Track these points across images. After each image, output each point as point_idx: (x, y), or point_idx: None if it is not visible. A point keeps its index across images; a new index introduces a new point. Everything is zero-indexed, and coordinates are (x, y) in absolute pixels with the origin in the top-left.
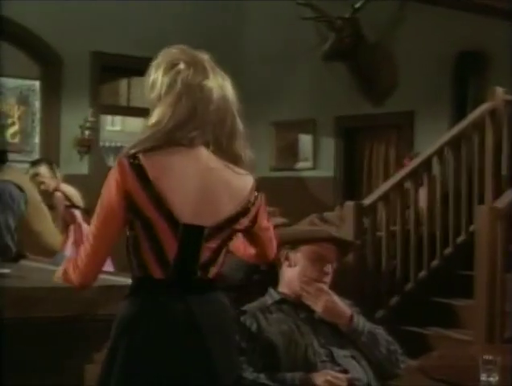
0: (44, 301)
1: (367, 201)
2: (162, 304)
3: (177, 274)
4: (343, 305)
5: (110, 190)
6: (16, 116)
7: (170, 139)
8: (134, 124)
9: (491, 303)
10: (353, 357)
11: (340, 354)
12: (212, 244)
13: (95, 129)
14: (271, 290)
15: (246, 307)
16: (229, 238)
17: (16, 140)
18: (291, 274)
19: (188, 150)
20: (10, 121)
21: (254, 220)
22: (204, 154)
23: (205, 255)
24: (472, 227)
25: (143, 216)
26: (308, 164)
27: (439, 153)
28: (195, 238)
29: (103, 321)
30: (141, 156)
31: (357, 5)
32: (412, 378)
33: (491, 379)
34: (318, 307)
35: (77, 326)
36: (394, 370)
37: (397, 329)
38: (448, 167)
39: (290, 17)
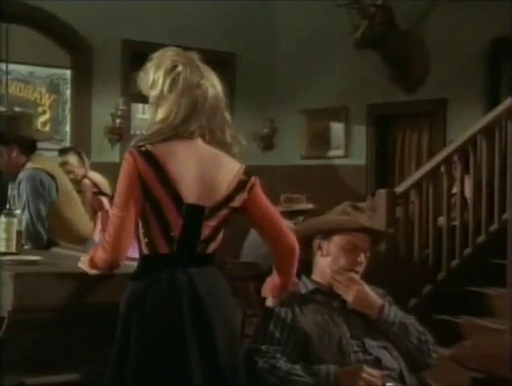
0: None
1: (399, 189)
2: (167, 275)
3: (181, 249)
4: (374, 296)
5: (127, 178)
6: (47, 104)
7: (174, 133)
8: None
9: None
10: (384, 347)
11: (372, 344)
12: (212, 223)
13: (126, 117)
14: (305, 279)
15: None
16: (228, 217)
17: (47, 128)
18: (324, 263)
19: (188, 141)
20: (40, 109)
21: (249, 198)
22: (201, 144)
23: (206, 232)
24: (504, 216)
25: (153, 197)
26: (340, 152)
27: (472, 141)
28: (197, 217)
29: None
30: (148, 146)
31: None
32: (445, 367)
33: None
34: (349, 297)
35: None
36: (426, 360)
37: (429, 318)
38: (480, 155)
39: (323, 4)
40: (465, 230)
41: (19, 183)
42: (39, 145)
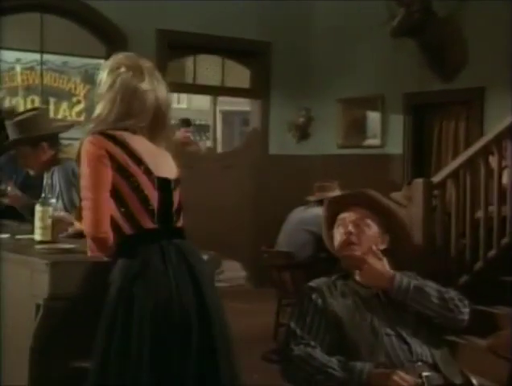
0: None
1: (436, 178)
2: (158, 248)
3: (161, 222)
4: (382, 267)
5: (96, 160)
6: (82, 94)
7: (115, 128)
8: (200, 101)
9: None
10: (415, 333)
11: (403, 329)
12: (177, 194)
13: None
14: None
15: (313, 282)
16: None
17: (81, 118)
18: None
19: (135, 135)
20: (75, 99)
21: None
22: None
23: (176, 202)
24: None
25: (130, 174)
26: (376, 141)
27: (510, 130)
28: (167, 188)
29: None
30: (110, 131)
31: None
32: (482, 358)
33: None
34: (356, 274)
35: None
36: (457, 317)
37: None
38: None
39: None
40: (503, 220)
41: (52, 174)
42: (73, 135)
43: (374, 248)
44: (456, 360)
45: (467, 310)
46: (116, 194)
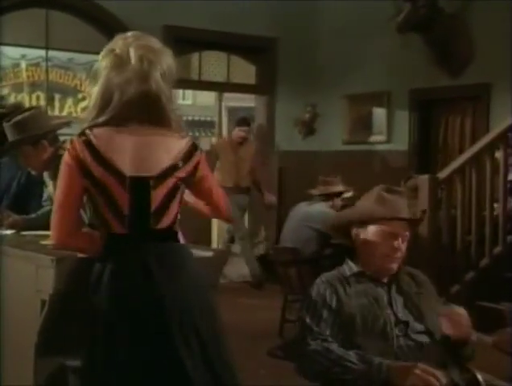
0: None
1: (442, 175)
2: (121, 256)
3: (132, 225)
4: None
5: (64, 170)
6: (87, 91)
7: (96, 124)
8: (206, 97)
9: None
10: (426, 331)
11: (415, 328)
12: (160, 192)
13: None
14: (350, 262)
15: (324, 276)
16: (175, 187)
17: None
18: (365, 251)
19: (124, 128)
20: (80, 96)
21: (195, 169)
22: (139, 129)
23: (156, 203)
24: None
25: (96, 179)
26: (382, 137)
27: None
28: (142, 188)
29: None
30: (87, 131)
31: None
32: (487, 354)
33: None
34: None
35: None
36: None
37: (472, 304)
38: None
39: None
40: (509, 216)
41: (55, 172)
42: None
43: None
44: None
45: None
46: (90, 199)
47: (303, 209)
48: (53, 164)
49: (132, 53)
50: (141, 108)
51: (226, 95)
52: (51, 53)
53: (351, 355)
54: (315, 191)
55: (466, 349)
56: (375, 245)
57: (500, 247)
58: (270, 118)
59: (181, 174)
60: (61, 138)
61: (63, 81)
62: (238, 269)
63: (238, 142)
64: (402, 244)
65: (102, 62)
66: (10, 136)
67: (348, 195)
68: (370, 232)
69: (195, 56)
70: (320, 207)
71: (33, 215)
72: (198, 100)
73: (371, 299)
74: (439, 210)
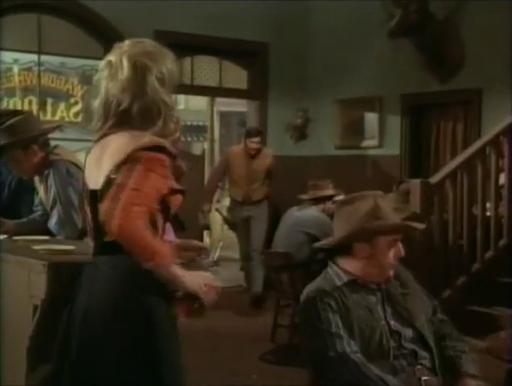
0: None
1: (434, 179)
2: (85, 268)
3: (91, 238)
4: None
5: None
6: (79, 95)
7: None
8: (198, 102)
9: None
10: (417, 337)
11: (408, 335)
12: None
13: None
14: (337, 269)
15: (314, 287)
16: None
17: (79, 119)
18: (368, 263)
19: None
20: (72, 100)
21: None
22: (113, 137)
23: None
24: None
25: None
26: (374, 142)
27: (509, 131)
28: (95, 201)
29: None
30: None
31: None
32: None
33: None
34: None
35: None
36: None
37: (463, 309)
38: None
39: None
40: (500, 221)
41: (46, 177)
42: (72, 136)
43: None
44: None
45: None
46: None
47: (294, 214)
48: (44, 169)
49: (125, 62)
50: (135, 116)
51: (218, 100)
52: (44, 57)
53: (389, 378)
54: (305, 196)
55: None
56: (385, 255)
57: (492, 251)
58: (262, 123)
59: (117, 179)
60: (52, 143)
61: (55, 86)
62: (231, 274)
63: (251, 155)
64: (401, 246)
65: (101, 73)
66: (1, 140)
67: (340, 198)
68: (380, 243)
69: (187, 61)
70: (312, 212)
71: (25, 220)
72: (190, 105)
73: (367, 310)
74: (431, 214)
